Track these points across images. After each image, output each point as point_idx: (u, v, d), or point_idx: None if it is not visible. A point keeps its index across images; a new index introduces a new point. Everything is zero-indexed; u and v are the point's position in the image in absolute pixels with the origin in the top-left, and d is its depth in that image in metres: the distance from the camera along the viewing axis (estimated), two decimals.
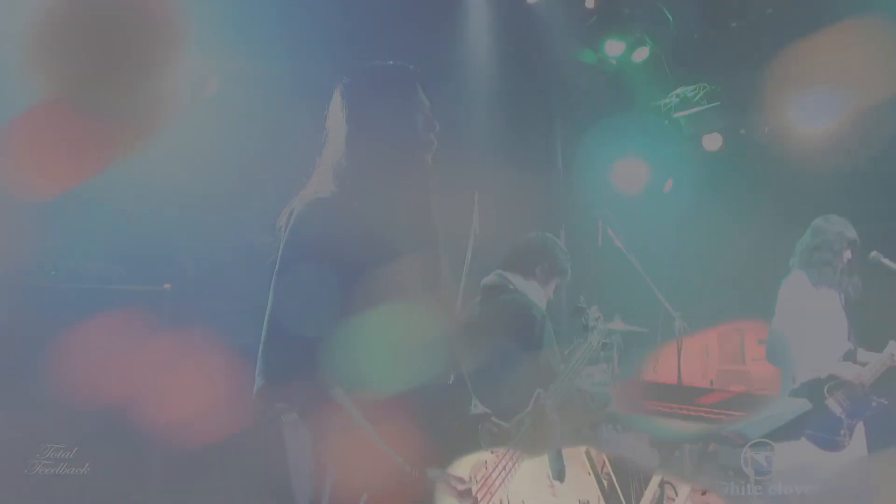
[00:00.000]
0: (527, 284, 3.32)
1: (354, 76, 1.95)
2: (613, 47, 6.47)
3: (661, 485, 3.40)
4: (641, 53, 6.49)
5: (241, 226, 4.36)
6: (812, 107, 6.17)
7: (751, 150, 6.62)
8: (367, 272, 1.70)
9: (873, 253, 4.01)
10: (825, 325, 3.88)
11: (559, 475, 2.06)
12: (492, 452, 1.90)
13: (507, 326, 3.08)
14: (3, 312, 3.18)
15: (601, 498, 2.35)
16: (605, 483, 3.13)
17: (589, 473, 2.38)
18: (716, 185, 6.55)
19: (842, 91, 5.98)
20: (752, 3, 6.04)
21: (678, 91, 6.86)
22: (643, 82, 6.74)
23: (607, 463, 3.30)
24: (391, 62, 1.97)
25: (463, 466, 1.80)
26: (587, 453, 2.46)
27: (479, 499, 1.78)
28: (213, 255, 4.09)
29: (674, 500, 3.39)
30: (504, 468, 1.90)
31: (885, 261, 3.98)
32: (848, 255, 3.94)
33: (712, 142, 6.79)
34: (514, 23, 6.07)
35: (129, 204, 3.71)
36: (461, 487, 1.70)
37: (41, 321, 3.21)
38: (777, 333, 3.94)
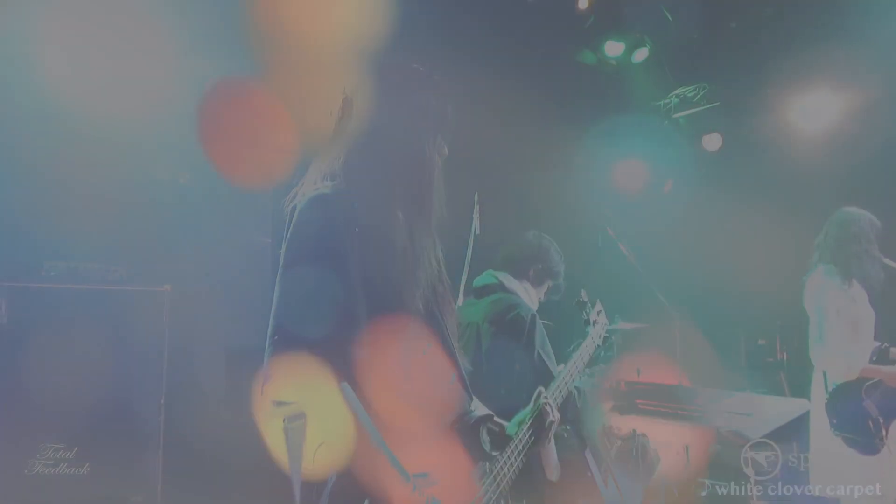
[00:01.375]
0: (518, 285, 3.27)
1: (384, 72, 1.90)
2: (613, 48, 6.48)
3: (635, 436, 3.30)
4: (641, 54, 6.50)
5: (241, 226, 4.36)
6: (811, 106, 6.18)
7: (751, 150, 6.62)
8: (369, 268, 1.70)
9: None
10: (857, 321, 3.83)
11: (554, 472, 2.05)
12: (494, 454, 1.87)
13: (497, 326, 3.05)
14: (2, 313, 3.18)
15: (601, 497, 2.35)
16: (606, 482, 3.13)
17: (590, 473, 2.38)
18: (716, 185, 6.55)
19: (840, 90, 6.00)
20: (752, 3, 6.04)
21: (678, 91, 6.87)
22: (643, 82, 6.74)
23: (608, 462, 3.29)
24: (422, 67, 1.92)
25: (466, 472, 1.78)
26: (588, 452, 2.45)
27: None
28: (213, 255, 4.09)
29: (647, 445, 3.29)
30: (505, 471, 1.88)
31: (886, 260, 3.97)
32: (875, 247, 3.90)
33: (712, 142, 6.79)
34: (514, 22, 6.06)
35: (129, 204, 3.71)
36: None
37: (41, 321, 3.21)
38: (814, 331, 3.85)
